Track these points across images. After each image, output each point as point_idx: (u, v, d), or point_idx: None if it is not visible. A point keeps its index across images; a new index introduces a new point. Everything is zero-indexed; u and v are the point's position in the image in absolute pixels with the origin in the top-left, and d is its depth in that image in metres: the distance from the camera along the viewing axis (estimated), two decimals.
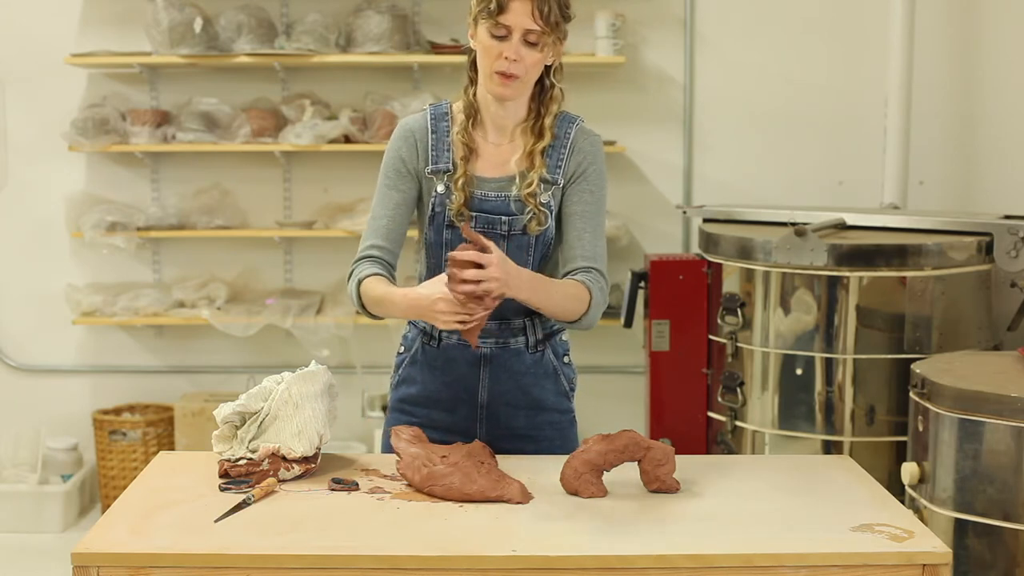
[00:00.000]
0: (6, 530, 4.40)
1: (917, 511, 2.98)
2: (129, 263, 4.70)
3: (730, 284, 3.69)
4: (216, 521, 2.00)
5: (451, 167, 2.35)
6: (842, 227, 3.75)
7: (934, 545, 1.94)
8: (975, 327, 3.56)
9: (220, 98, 4.52)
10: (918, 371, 3.05)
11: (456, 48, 4.44)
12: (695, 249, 4.29)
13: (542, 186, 2.35)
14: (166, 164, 4.69)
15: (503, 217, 2.35)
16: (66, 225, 4.59)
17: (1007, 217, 3.72)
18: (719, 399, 3.75)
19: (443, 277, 2.16)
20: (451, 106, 2.42)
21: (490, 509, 2.07)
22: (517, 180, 2.36)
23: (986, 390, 2.84)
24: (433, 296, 2.17)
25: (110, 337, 4.77)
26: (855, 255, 3.47)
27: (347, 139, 4.45)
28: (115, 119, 4.46)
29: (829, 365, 3.49)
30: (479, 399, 2.44)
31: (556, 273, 2.41)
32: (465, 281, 2.11)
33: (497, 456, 2.26)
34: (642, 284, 3.99)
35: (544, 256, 2.39)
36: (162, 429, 4.59)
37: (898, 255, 3.47)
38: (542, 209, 2.35)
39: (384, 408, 4.54)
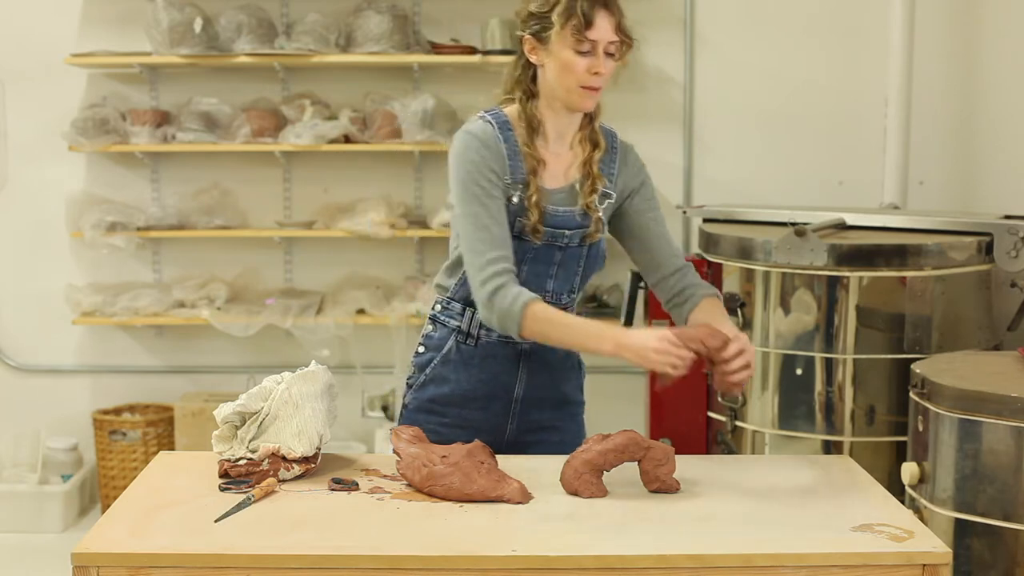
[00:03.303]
0: (6, 530, 4.40)
1: (917, 511, 2.98)
2: (129, 263, 4.70)
3: (730, 284, 3.68)
4: (216, 521, 2.00)
5: (525, 178, 2.35)
6: (842, 227, 3.75)
7: (934, 545, 1.94)
8: (975, 327, 3.56)
9: (220, 98, 4.52)
10: (918, 371, 3.04)
11: (456, 48, 4.44)
12: (695, 249, 4.29)
13: (599, 198, 2.41)
14: (166, 164, 4.69)
15: (567, 231, 2.38)
16: (66, 225, 4.60)
17: (1007, 217, 3.71)
18: (719, 399, 3.75)
19: (659, 331, 2.19)
20: (507, 112, 2.40)
21: (490, 509, 2.07)
22: (578, 189, 2.39)
23: (986, 390, 2.83)
24: (662, 346, 2.17)
25: (110, 337, 4.77)
26: (855, 255, 3.47)
27: (347, 139, 4.45)
28: (115, 119, 4.46)
29: (829, 365, 3.49)
30: (515, 395, 2.47)
31: (591, 274, 2.48)
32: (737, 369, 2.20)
33: (497, 456, 2.26)
34: (642, 284, 3.99)
35: (588, 265, 2.45)
36: (162, 429, 4.59)
37: (898, 255, 3.47)
38: (600, 218, 2.40)
39: (385, 408, 4.54)
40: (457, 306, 2.44)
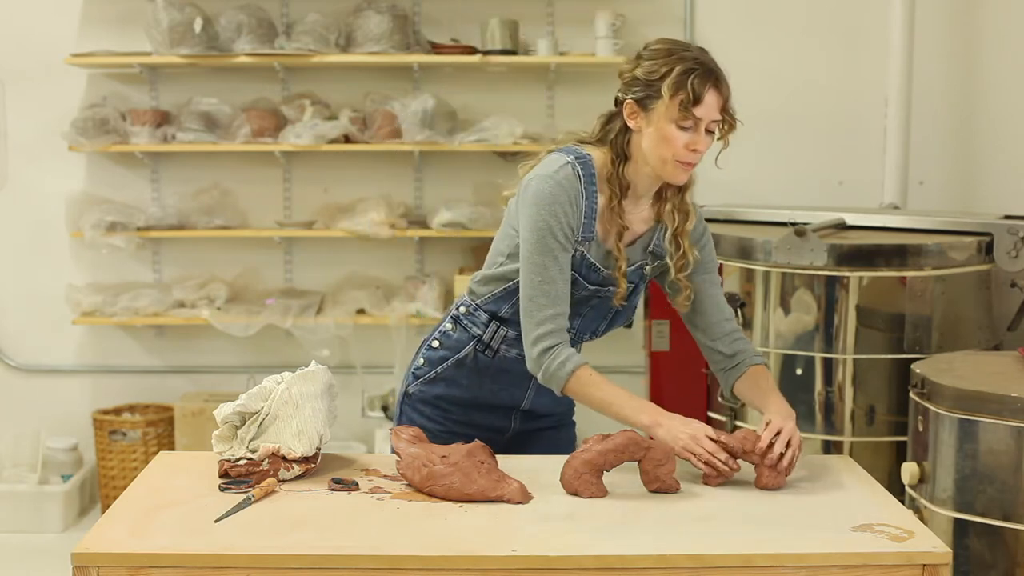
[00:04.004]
0: (6, 530, 4.40)
1: (917, 511, 2.98)
2: (129, 263, 4.70)
3: (730, 284, 3.68)
4: (216, 521, 2.00)
5: (593, 238, 2.33)
6: (842, 227, 3.75)
7: (934, 545, 1.94)
8: (975, 327, 3.56)
9: (220, 98, 4.52)
10: (918, 371, 3.04)
11: (456, 48, 4.44)
12: None
13: (650, 258, 2.41)
14: (166, 164, 4.69)
15: (611, 287, 2.38)
16: (66, 225, 4.60)
17: (1007, 217, 3.71)
18: (719, 399, 3.74)
19: (697, 422, 2.23)
20: (595, 162, 2.34)
21: (490, 509, 2.07)
22: (668, 261, 2.40)
23: (986, 390, 2.83)
24: (697, 434, 2.21)
25: (110, 337, 4.77)
26: (855, 255, 3.47)
27: (347, 139, 4.45)
28: (115, 119, 4.46)
29: (829, 365, 3.49)
30: (521, 405, 2.51)
31: (621, 326, 2.50)
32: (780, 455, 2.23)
33: (497, 456, 2.26)
34: None
35: (617, 315, 2.45)
36: (162, 429, 4.59)
37: (898, 255, 3.47)
38: (688, 285, 2.41)
39: (385, 408, 4.54)
40: (483, 315, 2.44)
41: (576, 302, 2.36)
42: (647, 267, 2.43)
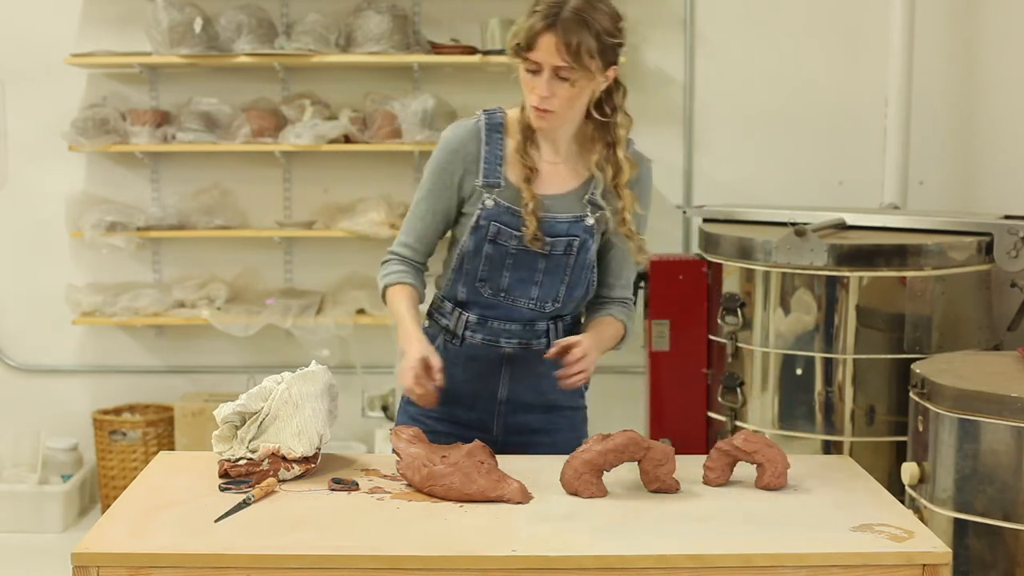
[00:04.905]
0: (6, 530, 4.40)
1: (917, 511, 2.98)
2: (129, 263, 4.70)
3: (730, 284, 3.69)
4: (216, 521, 2.00)
5: (501, 183, 2.36)
6: (842, 227, 3.75)
7: (934, 545, 1.94)
8: (975, 327, 3.56)
9: (220, 98, 4.52)
10: (918, 371, 3.04)
11: (456, 48, 4.44)
12: (695, 249, 4.29)
13: (590, 208, 2.40)
14: (166, 164, 4.69)
15: (548, 237, 2.37)
16: (66, 225, 4.59)
17: (1007, 217, 3.72)
18: (719, 399, 3.75)
19: (419, 356, 2.29)
20: (506, 116, 2.41)
21: (490, 509, 2.08)
22: (608, 215, 2.40)
23: (986, 390, 2.84)
24: (402, 369, 2.30)
25: (110, 337, 4.77)
26: (855, 255, 3.47)
27: (347, 139, 4.45)
28: (115, 119, 4.46)
29: (829, 365, 3.49)
30: (499, 396, 2.48)
31: (585, 291, 2.47)
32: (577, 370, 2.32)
33: (497, 456, 2.26)
34: (642, 284, 3.99)
35: (574, 276, 2.43)
36: (162, 429, 4.59)
37: (898, 255, 3.47)
38: (639, 237, 2.42)
39: (385, 408, 4.54)
40: (448, 305, 2.47)
41: (519, 263, 2.37)
42: (587, 218, 2.40)
